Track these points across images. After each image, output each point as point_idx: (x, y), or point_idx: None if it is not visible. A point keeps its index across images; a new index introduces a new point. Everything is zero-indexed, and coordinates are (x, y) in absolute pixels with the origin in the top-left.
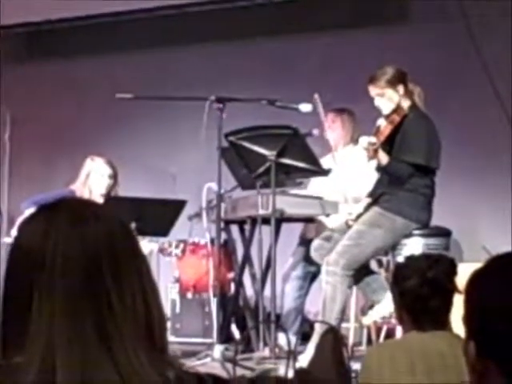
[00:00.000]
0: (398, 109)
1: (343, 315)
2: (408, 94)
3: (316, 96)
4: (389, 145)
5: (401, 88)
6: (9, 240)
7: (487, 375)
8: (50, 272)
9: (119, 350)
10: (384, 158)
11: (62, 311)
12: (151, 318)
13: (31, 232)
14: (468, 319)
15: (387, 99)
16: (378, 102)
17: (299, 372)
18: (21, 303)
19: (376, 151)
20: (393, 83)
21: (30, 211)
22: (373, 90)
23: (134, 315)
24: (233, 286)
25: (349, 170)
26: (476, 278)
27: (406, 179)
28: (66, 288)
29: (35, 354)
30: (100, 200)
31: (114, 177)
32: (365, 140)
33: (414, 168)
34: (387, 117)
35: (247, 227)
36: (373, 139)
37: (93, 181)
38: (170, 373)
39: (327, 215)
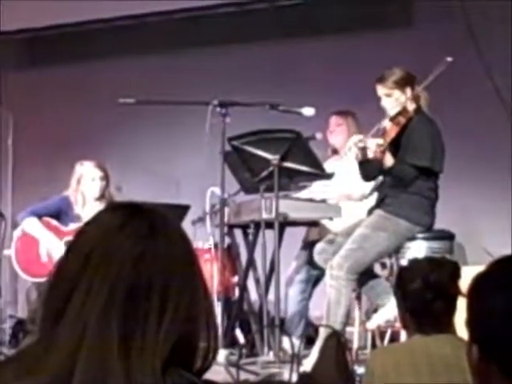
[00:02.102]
0: (403, 111)
1: (347, 319)
2: (415, 97)
3: (449, 59)
4: (393, 147)
5: (408, 90)
6: (9, 252)
7: (490, 379)
8: (104, 267)
9: (137, 368)
10: (389, 159)
11: (98, 312)
12: (188, 341)
13: (109, 219)
14: (471, 323)
15: (394, 100)
16: (384, 102)
17: (302, 376)
18: (63, 293)
19: (383, 153)
20: (401, 85)
21: (27, 222)
22: (380, 90)
23: (166, 337)
24: (237, 291)
25: (353, 173)
26: (478, 282)
27: (410, 182)
28: (111, 291)
29: (59, 357)
30: (95, 204)
31: (106, 178)
32: (372, 142)
33: (418, 170)
34: (392, 119)
35: (251, 231)
36: (380, 141)
37: (85, 186)
38: (167, 381)
39: (330, 219)
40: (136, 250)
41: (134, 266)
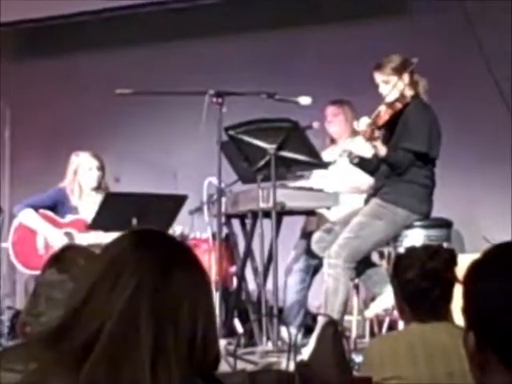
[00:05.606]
0: (400, 97)
1: (345, 308)
2: (413, 84)
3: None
4: (389, 133)
5: (406, 77)
6: (6, 245)
7: (487, 365)
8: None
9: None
10: (382, 149)
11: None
12: (196, 344)
13: (128, 250)
14: (467, 309)
15: (392, 87)
16: (382, 88)
17: (299, 365)
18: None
19: (373, 131)
20: (398, 71)
21: (23, 213)
22: (378, 77)
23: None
24: (235, 280)
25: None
26: (474, 268)
27: (405, 168)
28: (126, 307)
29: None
30: (91, 194)
31: (102, 168)
32: (363, 122)
33: (414, 156)
34: (389, 104)
35: (248, 221)
36: (368, 120)
37: (82, 176)
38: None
39: (328, 208)
40: (157, 278)
41: (154, 293)
